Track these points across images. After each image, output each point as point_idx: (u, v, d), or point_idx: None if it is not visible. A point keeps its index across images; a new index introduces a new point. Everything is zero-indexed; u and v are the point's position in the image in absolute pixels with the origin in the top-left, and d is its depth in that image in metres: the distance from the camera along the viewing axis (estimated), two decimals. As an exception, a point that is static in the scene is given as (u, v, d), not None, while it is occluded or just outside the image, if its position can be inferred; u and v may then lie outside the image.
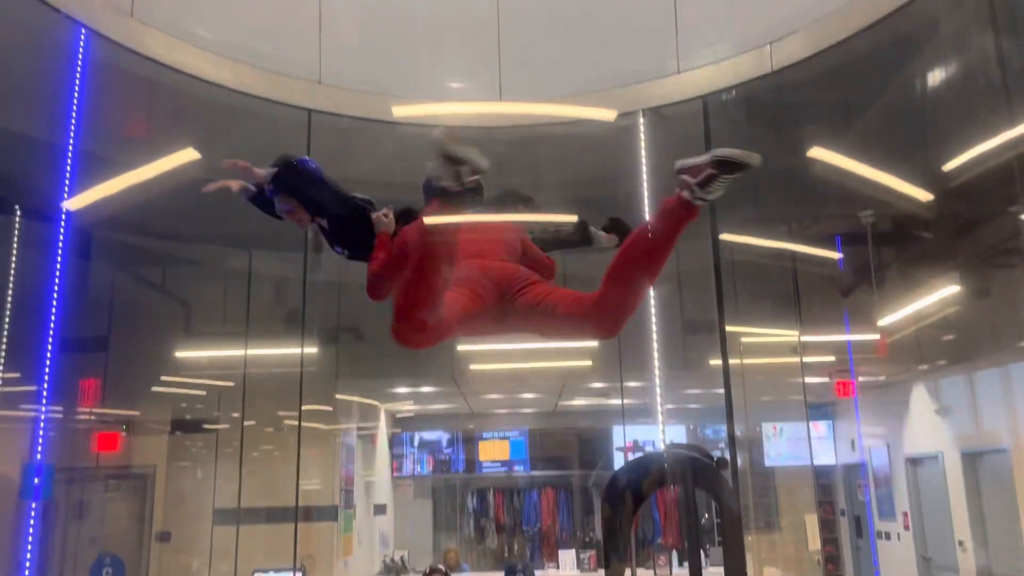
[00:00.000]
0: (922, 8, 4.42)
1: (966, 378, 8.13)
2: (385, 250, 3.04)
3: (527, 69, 5.36)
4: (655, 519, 10.95)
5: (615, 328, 2.68)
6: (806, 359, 7.51)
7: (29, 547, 3.24)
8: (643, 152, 5.51)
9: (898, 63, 4.98)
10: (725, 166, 2.36)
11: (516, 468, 11.85)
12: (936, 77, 5.00)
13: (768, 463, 11.05)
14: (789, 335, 6.98)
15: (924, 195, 5.25)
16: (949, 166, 4.85)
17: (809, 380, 8.43)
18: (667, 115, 5.40)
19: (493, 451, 11.97)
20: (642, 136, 5.49)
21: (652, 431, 7.74)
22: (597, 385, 9.95)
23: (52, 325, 4.72)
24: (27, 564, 3.21)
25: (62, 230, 4.63)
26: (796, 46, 4.92)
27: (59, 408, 6.64)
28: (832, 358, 8.02)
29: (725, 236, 5.43)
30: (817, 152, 5.24)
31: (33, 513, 3.27)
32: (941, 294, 6.33)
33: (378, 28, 5.27)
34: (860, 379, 8.80)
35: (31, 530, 3.18)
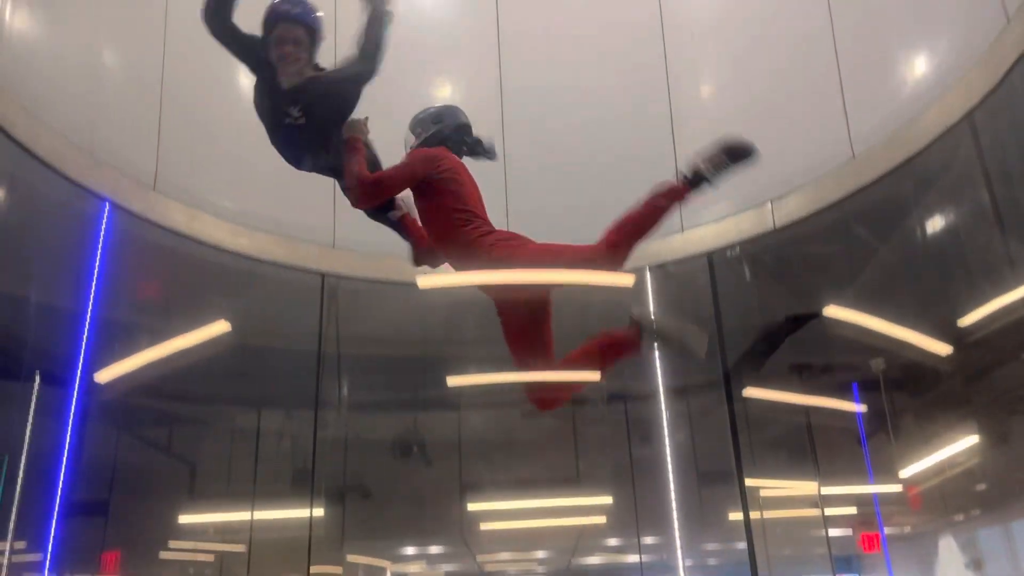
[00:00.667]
0: (917, 167, 4.60)
1: (1002, 529, 7.84)
2: (360, 155, 2.87)
3: (531, 226, 5.50)
4: None
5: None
6: (828, 511, 7.28)
7: None
8: (651, 307, 5.58)
9: (897, 218, 5.12)
10: (732, 152, 2.63)
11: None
12: (935, 231, 5.12)
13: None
14: (808, 487, 6.80)
15: (941, 347, 5.25)
16: (964, 321, 4.88)
17: (832, 533, 8.14)
18: (673, 271, 5.50)
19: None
20: (649, 291, 5.57)
21: (672, 590, 7.41)
22: (612, 542, 9.61)
23: (59, 494, 4.66)
24: None
25: (75, 396, 4.64)
26: (797, 204, 5.08)
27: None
28: (854, 510, 7.78)
29: (746, 392, 5.41)
30: (828, 309, 5.29)
31: None
32: (961, 445, 6.22)
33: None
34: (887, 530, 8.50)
35: None
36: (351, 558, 8.76)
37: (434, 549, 9.72)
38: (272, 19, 2.89)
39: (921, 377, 6.67)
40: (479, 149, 3.10)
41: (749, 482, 5.85)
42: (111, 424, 6.99)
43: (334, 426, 7.35)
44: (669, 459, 5.86)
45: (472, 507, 7.52)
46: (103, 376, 4.49)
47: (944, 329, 5.14)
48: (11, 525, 5.14)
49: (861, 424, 6.61)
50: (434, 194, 2.86)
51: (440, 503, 8.04)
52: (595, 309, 6.24)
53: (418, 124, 3.06)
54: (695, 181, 2.66)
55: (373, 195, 2.87)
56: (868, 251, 5.37)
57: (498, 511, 7.86)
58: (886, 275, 5.41)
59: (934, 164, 4.76)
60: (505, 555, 10.40)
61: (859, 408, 6.60)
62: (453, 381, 6.18)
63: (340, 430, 7.55)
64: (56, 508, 4.45)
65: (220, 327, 4.81)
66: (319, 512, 6.90)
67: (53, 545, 4.11)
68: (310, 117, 2.89)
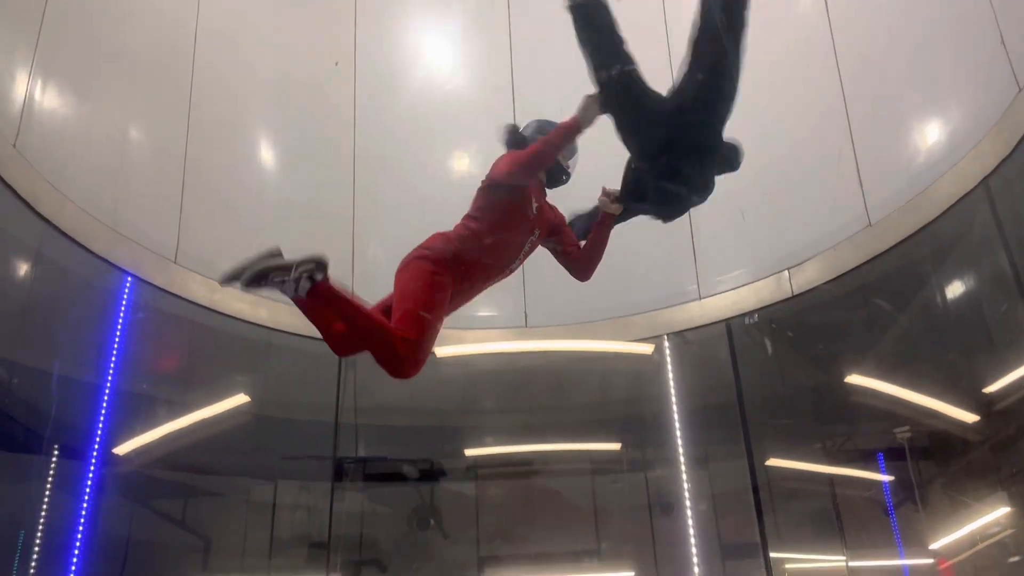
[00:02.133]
0: (934, 234, 4.59)
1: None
2: None
3: (550, 298, 5.52)
4: None
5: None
6: (858, 588, 7.05)
7: None
8: (670, 374, 5.55)
9: (916, 285, 5.10)
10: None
11: None
12: (955, 297, 5.09)
13: None
14: (837, 560, 6.60)
15: (967, 416, 5.16)
16: (988, 389, 4.81)
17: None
18: (691, 339, 5.48)
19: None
20: (668, 359, 5.55)
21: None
22: (634, 617, 9.34)
23: (73, 570, 4.60)
24: None
25: (91, 470, 4.63)
26: (815, 271, 5.08)
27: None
28: (885, 585, 7.53)
29: (769, 461, 5.33)
30: (850, 376, 5.24)
31: None
32: (992, 515, 6.05)
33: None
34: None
35: None
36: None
37: (451, 625, 9.49)
38: None
39: (948, 446, 6.53)
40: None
41: (774, 555, 5.70)
42: (126, 497, 6.93)
43: (350, 499, 7.27)
44: (692, 531, 5.74)
45: (489, 578, 7.35)
46: (122, 449, 4.47)
47: (969, 397, 5.06)
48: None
49: (888, 494, 6.45)
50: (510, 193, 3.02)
51: (458, 576, 7.88)
52: (619, 379, 6.22)
53: (539, 130, 3.21)
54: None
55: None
56: (887, 318, 5.33)
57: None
58: (906, 342, 5.36)
59: (951, 231, 4.76)
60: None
61: (885, 478, 6.46)
62: (471, 452, 6.13)
63: (356, 503, 7.45)
64: None
65: (239, 399, 4.80)
66: (335, 586, 6.78)
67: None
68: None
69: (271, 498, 7.53)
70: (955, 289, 5.08)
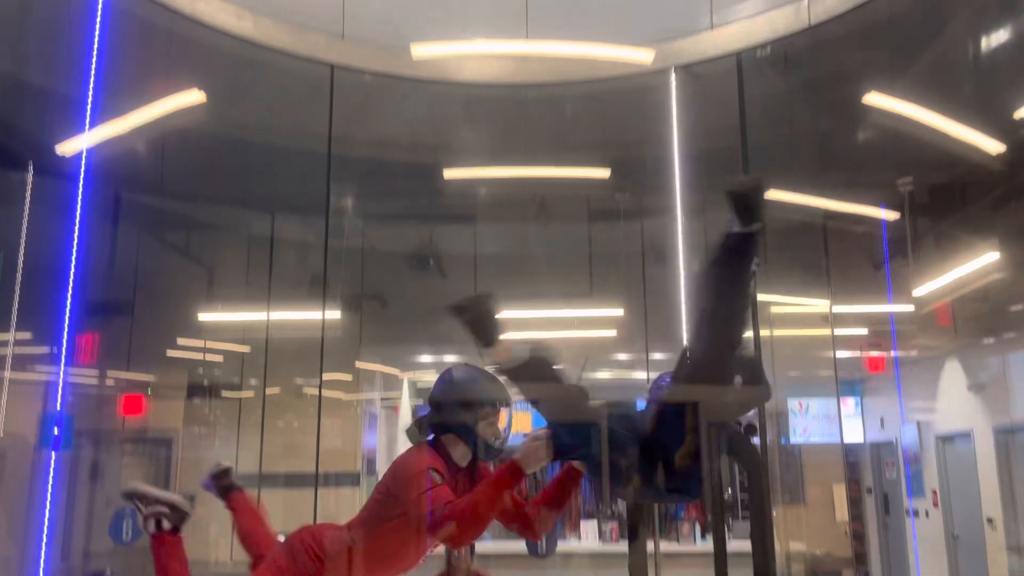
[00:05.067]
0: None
1: (1002, 355, 7.91)
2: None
3: (554, 29, 5.21)
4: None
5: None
6: (837, 331, 7.32)
7: (49, 499, 3.18)
8: (674, 111, 5.35)
9: (944, 15, 4.78)
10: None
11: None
12: (987, 29, 4.78)
13: (793, 440, 10.87)
14: (820, 305, 6.79)
15: (992, 145, 4.92)
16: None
17: (839, 354, 8.24)
18: (699, 72, 5.23)
19: (515, 422, 11.87)
20: (674, 95, 5.33)
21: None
22: (621, 357, 9.82)
23: (72, 282, 4.66)
24: (47, 515, 3.16)
25: (82, 181, 4.56)
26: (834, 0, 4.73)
27: (80, 370, 6.63)
28: (864, 331, 7.82)
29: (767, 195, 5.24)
30: (861, 119, 5.03)
31: (53, 464, 3.20)
32: (979, 263, 6.12)
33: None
34: (895, 353, 8.59)
35: (51, 480, 3.13)
36: (363, 365, 9.03)
37: (448, 358, 10.00)
38: None
39: (948, 199, 6.50)
40: None
41: (761, 297, 5.82)
42: (129, 224, 7.01)
43: (349, 236, 7.35)
44: (682, 274, 5.80)
45: (485, 315, 7.60)
46: (72, 146, 4.33)
47: (996, 135, 4.87)
48: (13, 316, 5.22)
49: (885, 243, 6.48)
50: None
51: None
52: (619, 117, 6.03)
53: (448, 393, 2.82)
54: None
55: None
56: (909, 54, 5.05)
57: (511, 320, 7.96)
58: (930, 78, 5.11)
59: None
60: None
61: (884, 229, 6.47)
62: (450, 174, 6.00)
63: (356, 240, 7.54)
64: (68, 304, 4.42)
65: (194, 96, 4.63)
66: (335, 316, 7.01)
67: (69, 330, 4.13)
68: None
69: (269, 231, 7.63)
70: (990, 21, 4.76)
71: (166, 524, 2.84)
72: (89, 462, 7.37)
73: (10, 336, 5.19)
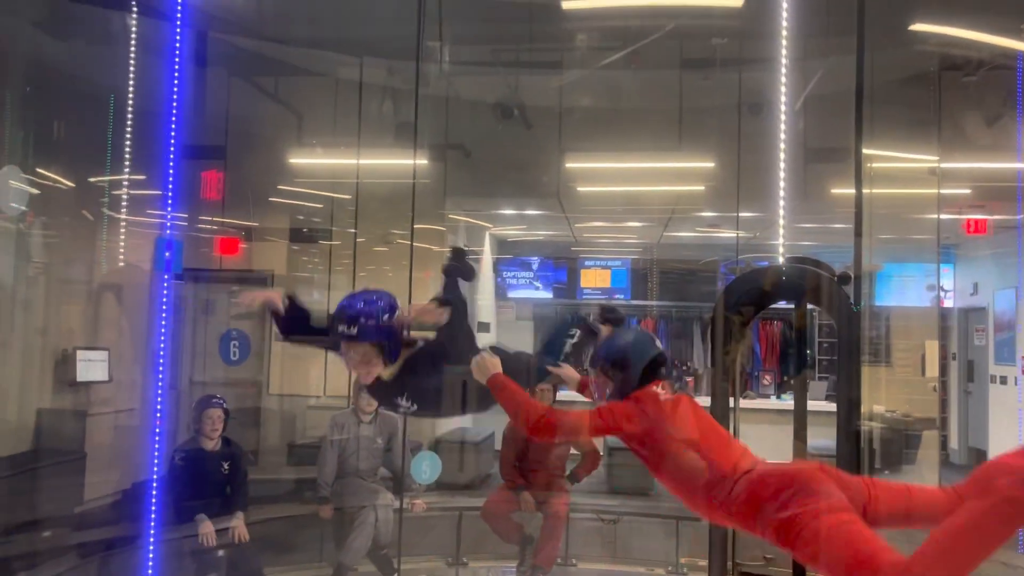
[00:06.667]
0: None
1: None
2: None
3: None
4: (756, 352, 10.89)
5: None
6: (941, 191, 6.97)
7: (164, 318, 3.36)
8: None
9: None
10: None
11: (616, 296, 11.86)
12: None
13: (882, 302, 10.68)
14: (928, 160, 6.44)
15: None
16: None
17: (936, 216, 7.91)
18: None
19: (594, 279, 11.98)
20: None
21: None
22: (707, 214, 9.65)
23: (173, 125, 4.73)
24: (163, 334, 3.36)
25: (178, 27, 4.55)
26: None
27: (182, 213, 6.88)
28: (968, 190, 7.45)
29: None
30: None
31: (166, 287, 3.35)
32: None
33: None
34: (993, 217, 8.19)
35: (164, 301, 3.30)
36: (450, 215, 9.12)
37: (530, 212, 10.01)
38: None
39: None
40: None
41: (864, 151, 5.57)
42: (220, 67, 7.06)
43: (435, 84, 7.25)
44: (783, 131, 5.56)
45: (570, 165, 7.53)
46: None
47: None
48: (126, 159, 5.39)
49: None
50: None
51: (539, 165, 8.08)
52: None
53: None
54: None
55: None
56: None
57: (596, 172, 7.89)
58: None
59: None
60: (599, 223, 10.65)
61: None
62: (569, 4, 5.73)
63: (440, 89, 7.44)
64: (171, 147, 4.47)
65: None
66: (422, 162, 7.03)
67: (173, 182, 4.22)
68: None
69: (357, 76, 7.59)
70: None
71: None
72: (199, 299, 7.80)
73: (122, 178, 5.39)
